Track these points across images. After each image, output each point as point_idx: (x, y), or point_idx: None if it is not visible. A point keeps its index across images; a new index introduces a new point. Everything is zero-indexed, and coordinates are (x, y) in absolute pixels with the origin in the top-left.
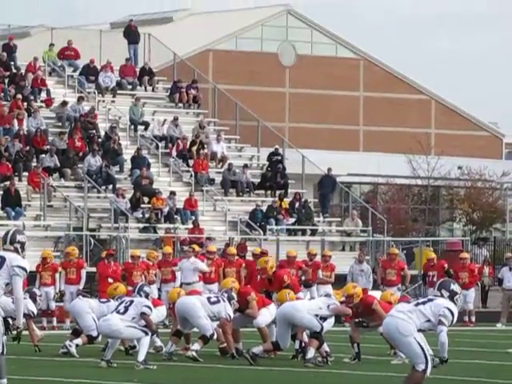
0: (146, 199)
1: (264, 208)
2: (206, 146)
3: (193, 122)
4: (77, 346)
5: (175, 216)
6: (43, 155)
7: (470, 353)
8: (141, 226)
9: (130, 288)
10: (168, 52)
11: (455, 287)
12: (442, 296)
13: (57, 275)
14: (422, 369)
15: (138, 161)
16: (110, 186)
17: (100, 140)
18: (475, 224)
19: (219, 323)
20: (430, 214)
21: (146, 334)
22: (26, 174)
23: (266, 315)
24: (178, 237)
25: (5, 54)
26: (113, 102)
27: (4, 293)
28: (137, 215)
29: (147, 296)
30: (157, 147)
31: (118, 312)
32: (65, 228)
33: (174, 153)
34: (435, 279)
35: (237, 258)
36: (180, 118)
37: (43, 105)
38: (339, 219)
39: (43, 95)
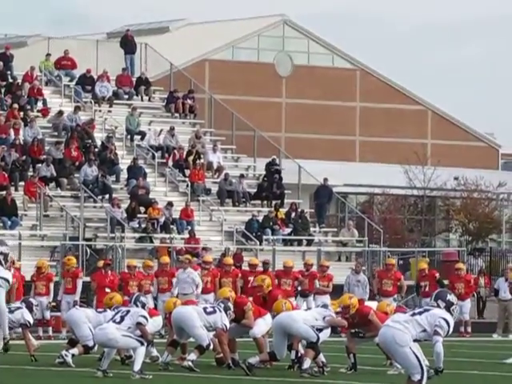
0: (142, 209)
1: (260, 218)
2: (202, 155)
3: (189, 132)
4: (73, 355)
5: (171, 226)
6: (39, 165)
7: (466, 363)
8: (137, 235)
9: (126, 298)
10: (164, 62)
11: (451, 298)
12: (438, 306)
13: (51, 285)
14: (418, 379)
15: (135, 170)
16: (107, 196)
17: (96, 150)
18: (471, 234)
19: (215, 333)
20: (426, 224)
21: (142, 343)
22: (22, 183)
23: (261, 325)
24: (174, 247)
25: (1, 63)
26: (109, 111)
27: None
28: (133, 225)
29: (143, 306)
30: (153, 157)
31: (114, 321)
32: (61, 238)
33: (171, 163)
34: (427, 289)
35: (233, 268)
36: (176, 128)
37: (40, 114)
38: (335, 229)
39: (40, 105)
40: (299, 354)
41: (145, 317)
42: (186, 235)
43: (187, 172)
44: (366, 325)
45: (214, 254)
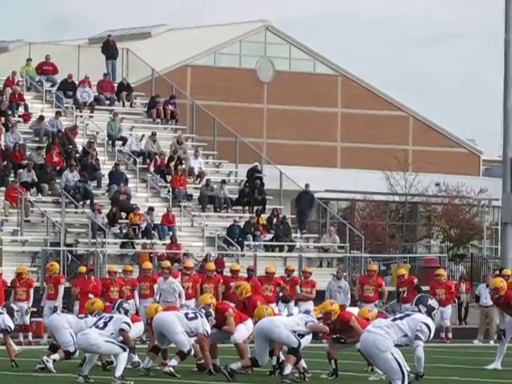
0: (123, 214)
1: (242, 224)
2: (183, 161)
3: (171, 138)
4: (54, 361)
5: (153, 231)
6: (21, 170)
7: (447, 369)
8: (118, 241)
9: (107, 304)
10: (146, 67)
11: (432, 302)
12: (419, 311)
13: (31, 290)
14: None
15: (116, 176)
16: (88, 202)
17: (78, 155)
18: (452, 241)
19: (197, 339)
20: (407, 230)
21: (124, 349)
22: (3, 188)
23: (243, 331)
24: (156, 252)
25: None
26: (91, 117)
27: None
28: (114, 231)
29: (126, 313)
30: (134, 163)
31: (97, 327)
32: (42, 243)
33: (152, 168)
34: (406, 295)
35: (215, 273)
36: (158, 134)
37: (21, 120)
38: (317, 235)
39: (21, 110)
40: (280, 360)
41: (128, 323)
42: (168, 241)
43: (169, 178)
44: (348, 331)
45: (195, 259)
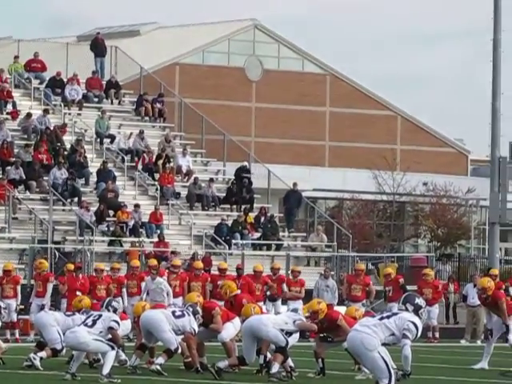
0: (111, 212)
1: (229, 222)
2: (171, 159)
3: (159, 136)
4: (41, 358)
5: (140, 229)
6: (8, 167)
7: (433, 369)
8: (106, 239)
9: (94, 301)
10: (135, 65)
11: (419, 301)
12: (406, 310)
13: (18, 287)
14: (386, 383)
15: (104, 174)
16: (76, 199)
17: (66, 153)
18: (440, 240)
19: (184, 337)
20: (394, 229)
21: (113, 348)
22: None
23: (230, 329)
24: (143, 250)
25: None
26: (79, 114)
27: None
28: (102, 228)
29: (115, 311)
30: (123, 160)
31: (85, 325)
32: (29, 240)
33: (140, 166)
34: (391, 294)
35: (202, 272)
36: (146, 132)
37: (9, 117)
38: (304, 234)
39: (9, 107)
40: (267, 359)
41: (117, 322)
42: (155, 239)
43: (157, 176)
44: (335, 330)
45: (182, 257)
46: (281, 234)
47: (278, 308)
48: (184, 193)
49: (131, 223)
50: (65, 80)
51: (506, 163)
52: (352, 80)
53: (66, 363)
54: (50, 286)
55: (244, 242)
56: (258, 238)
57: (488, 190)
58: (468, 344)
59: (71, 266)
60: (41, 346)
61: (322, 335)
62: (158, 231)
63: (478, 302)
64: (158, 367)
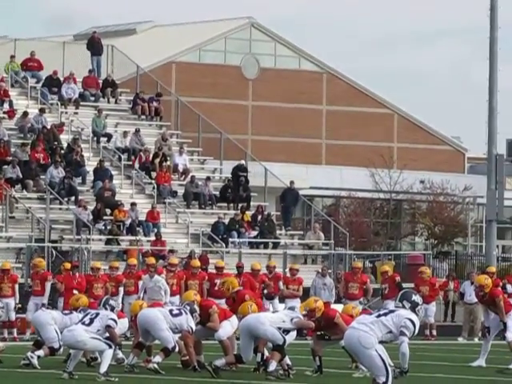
0: (108, 211)
1: (226, 221)
2: (168, 158)
3: (155, 134)
4: (38, 357)
5: (137, 228)
6: (5, 166)
7: (431, 366)
8: (103, 237)
9: (91, 300)
10: (131, 64)
11: (416, 298)
12: (403, 307)
13: (16, 286)
14: (383, 381)
15: (101, 173)
16: (73, 198)
17: (62, 151)
18: (437, 238)
19: (181, 335)
20: (391, 227)
21: (110, 346)
22: None
23: (227, 328)
24: (141, 249)
25: None
26: (75, 113)
27: None
28: (99, 227)
29: (113, 309)
30: (119, 159)
31: (83, 323)
32: (27, 239)
33: (137, 165)
34: (387, 292)
35: (200, 270)
36: (143, 130)
37: (5, 116)
38: (301, 232)
39: (6, 106)
40: (265, 357)
41: (114, 320)
42: (153, 237)
43: (153, 174)
44: (332, 328)
45: (180, 256)
46: (278, 232)
47: (275, 306)
48: (181, 191)
49: (128, 222)
50: (61, 79)
51: (502, 161)
52: (349, 78)
53: (63, 362)
54: (48, 285)
55: (241, 240)
56: (255, 237)
57: (485, 188)
58: (465, 342)
59: (68, 265)
60: (38, 344)
61: (319, 333)
62: (155, 230)
63: (476, 300)
64: (156, 366)
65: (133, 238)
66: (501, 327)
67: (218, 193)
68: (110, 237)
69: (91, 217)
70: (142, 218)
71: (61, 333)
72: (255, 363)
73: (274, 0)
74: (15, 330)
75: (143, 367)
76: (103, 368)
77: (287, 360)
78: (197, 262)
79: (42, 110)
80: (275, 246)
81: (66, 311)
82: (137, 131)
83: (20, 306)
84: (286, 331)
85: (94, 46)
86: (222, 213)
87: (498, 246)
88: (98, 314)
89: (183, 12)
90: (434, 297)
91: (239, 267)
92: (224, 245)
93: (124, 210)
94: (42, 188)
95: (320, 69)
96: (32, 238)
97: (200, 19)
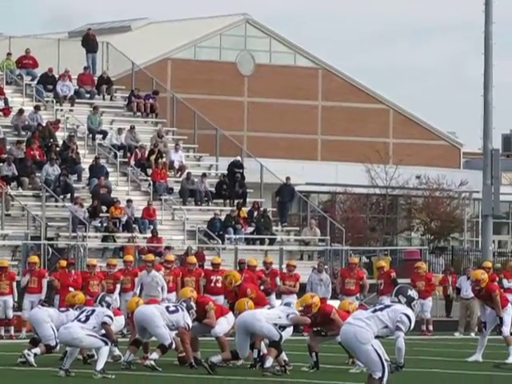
0: (104, 208)
1: (222, 217)
2: (164, 155)
3: (151, 131)
4: (35, 355)
5: (133, 225)
6: (1, 164)
7: (427, 361)
8: (99, 234)
9: (87, 297)
10: (126, 61)
11: (412, 293)
12: (399, 302)
13: (14, 284)
14: (379, 377)
15: (96, 170)
16: (68, 195)
17: (58, 149)
18: (433, 233)
19: (178, 332)
20: (388, 223)
21: (106, 343)
22: None
23: (224, 324)
24: (137, 246)
25: None
26: (71, 110)
27: None
28: (95, 224)
29: (109, 306)
30: (115, 156)
31: (79, 320)
32: (23, 237)
33: (133, 162)
34: (382, 287)
35: (196, 267)
36: (138, 127)
37: (1, 114)
38: (297, 228)
39: (1, 104)
40: (261, 353)
41: (110, 317)
42: (149, 234)
43: (149, 171)
44: (328, 323)
45: (176, 252)
46: (274, 228)
47: (272, 302)
48: (177, 188)
49: (124, 219)
50: (56, 76)
51: (498, 156)
52: (344, 74)
53: (59, 359)
54: (44, 282)
55: (237, 236)
56: (251, 233)
57: (481, 183)
58: (462, 337)
59: (64, 263)
60: (35, 342)
61: (315, 329)
62: (151, 227)
63: (472, 295)
64: (153, 362)
65: (129, 234)
66: (497, 322)
67: (213, 189)
68: (106, 234)
69: (87, 214)
70: (138, 214)
71: (57, 330)
72: (252, 359)
73: None
74: (12, 328)
75: (140, 364)
76: (100, 365)
77: (284, 356)
78: (193, 259)
79: (37, 108)
80: (271, 242)
81: (63, 308)
82: (132, 128)
83: (16, 303)
84: (283, 327)
85: (89, 43)
86: (218, 209)
87: (494, 241)
88: (93, 311)
89: (178, 9)
90: (430, 292)
91: (241, 263)
92: (220, 241)
93: (120, 206)
94: (38, 185)
95: (315, 65)
96: (28, 235)
97: (195, 16)
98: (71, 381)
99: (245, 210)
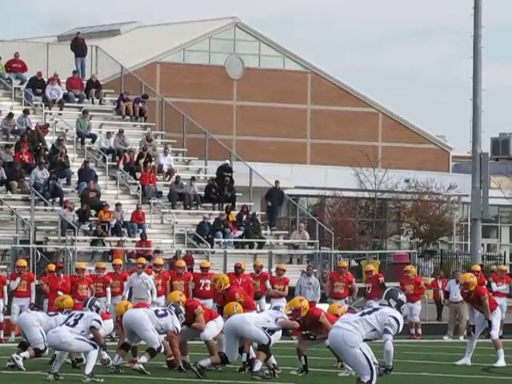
0: (93, 212)
1: (211, 221)
2: (153, 158)
3: (140, 135)
4: (24, 358)
5: (122, 229)
6: None
7: (416, 365)
8: (88, 238)
9: (76, 301)
10: (115, 64)
11: (402, 297)
12: (389, 305)
13: (5, 288)
14: (368, 380)
15: (85, 173)
16: (57, 199)
17: (47, 153)
18: (422, 237)
19: (166, 336)
20: (377, 226)
21: (95, 347)
22: None
23: (213, 328)
24: (126, 250)
25: None
26: (60, 114)
27: None
28: (84, 228)
29: (97, 310)
30: (104, 160)
31: (67, 324)
32: (11, 241)
33: (122, 165)
34: (370, 291)
35: (185, 270)
36: (127, 131)
37: None
38: (287, 232)
39: None
40: (250, 357)
41: (98, 321)
42: (138, 238)
43: (138, 175)
44: (317, 327)
45: (165, 256)
46: (263, 232)
47: (262, 306)
48: (166, 192)
49: (113, 222)
50: (45, 80)
51: (487, 159)
52: (333, 77)
53: (48, 363)
54: (33, 286)
55: (226, 240)
56: (240, 237)
57: (470, 187)
58: (451, 340)
59: (53, 267)
60: (23, 346)
61: (304, 333)
62: (140, 230)
63: (461, 298)
64: (141, 366)
65: (118, 238)
66: (486, 326)
67: (202, 193)
68: (95, 238)
69: (76, 218)
70: (127, 218)
71: (46, 334)
72: (241, 363)
73: (258, 0)
74: (2, 332)
75: (129, 368)
76: (88, 369)
77: (273, 360)
78: (182, 263)
79: (26, 112)
80: (260, 245)
81: (52, 312)
82: (120, 132)
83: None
84: (271, 331)
85: (78, 46)
86: (207, 213)
87: (482, 245)
88: (82, 315)
89: (167, 12)
90: (419, 295)
91: (238, 268)
92: (209, 245)
93: (109, 210)
94: (27, 189)
95: (304, 68)
96: (17, 239)
97: (184, 19)
98: None
99: (234, 213)
